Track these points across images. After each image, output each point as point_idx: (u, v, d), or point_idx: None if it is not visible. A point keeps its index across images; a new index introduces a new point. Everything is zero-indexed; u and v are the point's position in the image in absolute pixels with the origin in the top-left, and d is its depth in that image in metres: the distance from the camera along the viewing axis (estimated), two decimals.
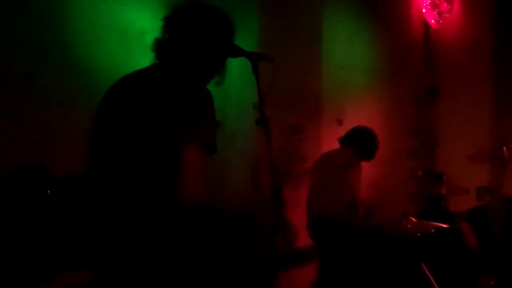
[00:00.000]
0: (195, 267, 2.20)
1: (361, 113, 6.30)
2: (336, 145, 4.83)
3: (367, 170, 4.91)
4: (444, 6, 7.24)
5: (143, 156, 2.11)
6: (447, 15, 7.25)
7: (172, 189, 2.04)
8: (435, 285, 4.19)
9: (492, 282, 4.43)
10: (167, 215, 2.09)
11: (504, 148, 4.66)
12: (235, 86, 4.51)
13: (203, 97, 2.17)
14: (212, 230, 2.20)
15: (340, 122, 5.97)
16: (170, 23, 2.42)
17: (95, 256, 2.22)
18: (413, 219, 4.34)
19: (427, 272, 4.22)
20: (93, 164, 2.28)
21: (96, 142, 2.29)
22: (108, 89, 2.34)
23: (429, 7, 7.27)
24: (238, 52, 2.51)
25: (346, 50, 6.20)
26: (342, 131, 5.43)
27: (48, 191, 3.26)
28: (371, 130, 4.77)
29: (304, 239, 4.64)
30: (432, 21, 7.32)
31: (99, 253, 2.19)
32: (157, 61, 2.40)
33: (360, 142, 4.69)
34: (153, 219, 2.10)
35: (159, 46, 2.40)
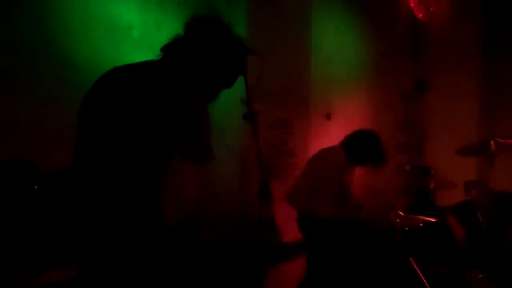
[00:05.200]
0: (182, 262, 2.20)
1: (349, 108, 6.31)
2: (324, 139, 4.83)
3: None
4: (433, 0, 7.25)
5: (133, 152, 2.10)
6: (436, 9, 7.26)
7: (159, 188, 2.04)
8: (423, 279, 4.20)
9: (480, 276, 4.44)
10: (154, 213, 2.08)
11: (492, 142, 4.66)
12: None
13: (203, 105, 2.20)
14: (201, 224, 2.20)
15: (328, 117, 5.98)
16: (193, 29, 2.42)
17: (82, 252, 2.21)
18: (401, 213, 4.35)
19: (415, 266, 4.24)
20: (79, 158, 2.26)
21: (84, 135, 2.26)
22: (98, 80, 2.31)
23: (417, 1, 7.28)
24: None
25: (335, 44, 6.20)
26: (331, 125, 5.44)
27: (35, 186, 3.24)
28: (372, 137, 4.59)
29: (292, 234, 4.64)
30: (421, 15, 7.32)
31: (86, 249, 2.18)
32: (161, 59, 2.39)
33: (355, 149, 4.54)
34: (140, 216, 2.09)
35: (174, 48, 2.40)
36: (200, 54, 2.35)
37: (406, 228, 4.35)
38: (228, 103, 4.88)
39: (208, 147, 2.13)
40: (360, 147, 4.53)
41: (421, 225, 4.44)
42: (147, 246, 2.09)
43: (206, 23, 2.42)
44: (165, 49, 2.41)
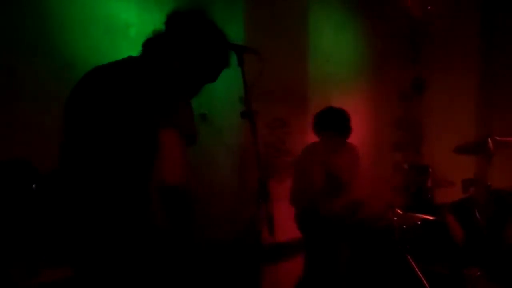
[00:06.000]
0: (176, 260, 2.19)
1: (347, 107, 6.29)
2: None
3: None
4: None
5: (118, 149, 2.08)
6: (434, 8, 7.26)
7: (148, 181, 2.02)
8: (421, 277, 4.21)
9: (478, 274, 4.45)
10: (144, 208, 2.05)
11: (490, 140, 4.67)
12: (221, 79, 4.49)
13: (180, 92, 2.17)
14: (194, 217, 2.17)
15: None
16: (172, 24, 2.40)
17: (74, 251, 2.20)
18: (399, 212, 4.35)
19: (413, 264, 4.24)
20: (66, 157, 2.25)
21: (68, 135, 2.26)
22: (79, 81, 2.30)
23: (415, 0, 7.28)
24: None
25: (333, 44, 6.21)
26: None
27: (33, 185, 3.24)
28: (332, 108, 4.73)
29: (290, 233, 4.64)
30: (418, 14, 7.32)
31: (78, 248, 2.17)
32: (141, 55, 2.39)
33: (315, 120, 4.70)
34: (130, 212, 2.07)
35: (155, 43, 2.39)
36: (179, 48, 2.34)
37: (404, 227, 4.35)
38: (227, 102, 4.91)
39: (192, 128, 2.10)
40: (319, 115, 4.69)
41: (419, 223, 4.44)
42: (138, 244, 2.08)
43: (187, 17, 2.39)
44: (145, 44, 2.40)
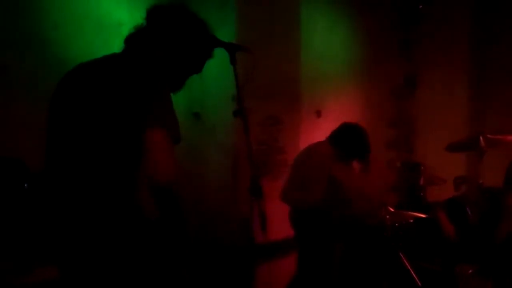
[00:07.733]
0: (167, 257, 2.18)
1: (340, 104, 6.32)
2: (314, 136, 4.83)
3: None
4: None
5: (103, 146, 2.08)
6: (426, 5, 7.27)
7: (134, 178, 2.01)
8: (414, 275, 4.23)
9: (470, 271, 4.47)
10: (131, 206, 2.04)
11: (481, 138, 4.68)
12: (213, 77, 4.49)
13: (164, 91, 2.15)
14: (184, 212, 2.17)
15: (318, 113, 6.00)
16: (153, 18, 2.40)
17: (61, 250, 2.19)
18: (392, 209, 4.37)
19: (406, 262, 4.26)
20: (51, 157, 2.24)
21: (53, 134, 2.25)
22: (63, 78, 2.30)
23: None
24: (215, 42, 2.51)
25: (325, 41, 6.22)
26: (321, 122, 5.43)
27: (25, 184, 3.23)
28: (359, 129, 4.60)
29: (283, 231, 4.65)
30: (411, 11, 7.33)
31: (66, 247, 2.16)
32: (124, 51, 2.38)
33: (341, 141, 4.55)
34: (117, 211, 2.06)
35: (136, 37, 2.38)
36: (161, 40, 2.34)
37: (396, 224, 4.37)
38: (219, 100, 4.91)
39: (176, 128, 2.09)
40: (346, 139, 4.54)
41: (411, 221, 4.45)
42: (128, 240, 2.07)
43: (167, 9, 2.40)
44: (127, 40, 2.40)
